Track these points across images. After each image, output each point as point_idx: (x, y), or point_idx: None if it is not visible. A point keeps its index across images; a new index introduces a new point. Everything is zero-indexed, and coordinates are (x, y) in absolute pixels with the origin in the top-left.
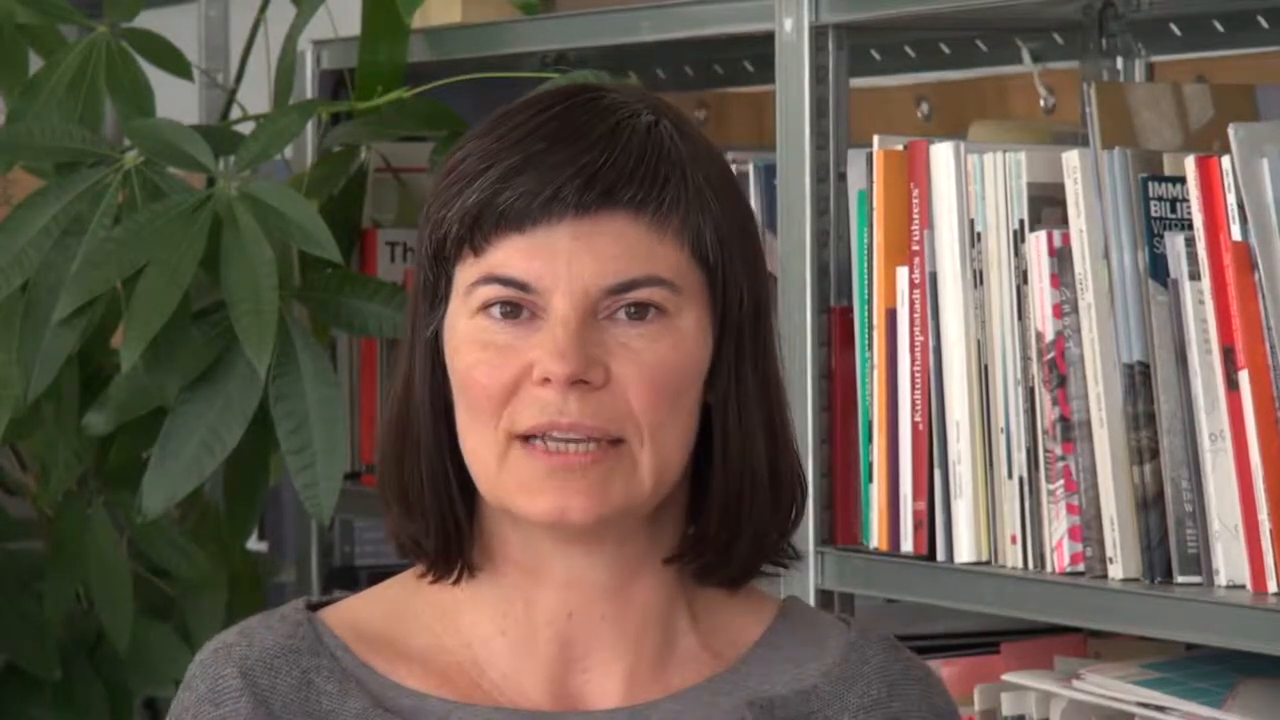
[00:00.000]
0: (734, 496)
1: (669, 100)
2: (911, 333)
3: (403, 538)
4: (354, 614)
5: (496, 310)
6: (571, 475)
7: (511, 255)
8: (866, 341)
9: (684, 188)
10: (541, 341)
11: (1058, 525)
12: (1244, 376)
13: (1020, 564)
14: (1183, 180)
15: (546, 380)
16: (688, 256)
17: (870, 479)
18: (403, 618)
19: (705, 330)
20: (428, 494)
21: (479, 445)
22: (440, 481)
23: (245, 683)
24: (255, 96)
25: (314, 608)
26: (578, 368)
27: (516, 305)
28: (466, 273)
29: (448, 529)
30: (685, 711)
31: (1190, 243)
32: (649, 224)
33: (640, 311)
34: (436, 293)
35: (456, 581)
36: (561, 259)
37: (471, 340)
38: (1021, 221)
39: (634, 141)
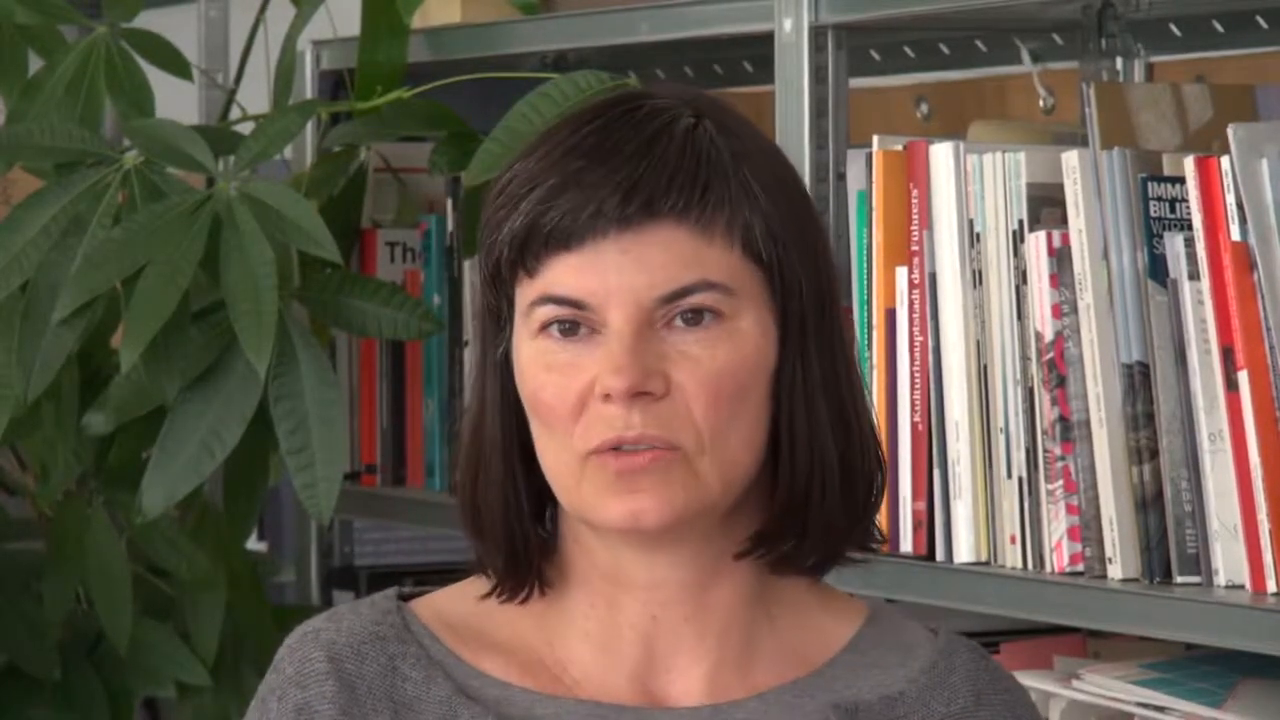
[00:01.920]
0: (800, 492)
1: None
2: (911, 333)
3: (479, 556)
4: (442, 605)
5: (555, 330)
6: (637, 478)
7: (563, 273)
8: (866, 342)
9: (727, 188)
10: (601, 357)
11: (1057, 525)
12: (1243, 377)
13: (1020, 564)
14: (1182, 180)
15: (609, 396)
16: (740, 256)
17: None
18: (490, 612)
19: (767, 327)
20: (497, 515)
21: (556, 463)
22: (510, 502)
23: (331, 666)
24: (255, 97)
25: (405, 598)
26: (636, 381)
27: (574, 323)
28: (524, 294)
29: (515, 550)
30: (769, 712)
31: (1189, 243)
32: (694, 229)
33: (696, 317)
34: (500, 315)
35: (524, 601)
36: (611, 273)
37: (535, 362)
38: (1021, 222)
39: (671, 149)
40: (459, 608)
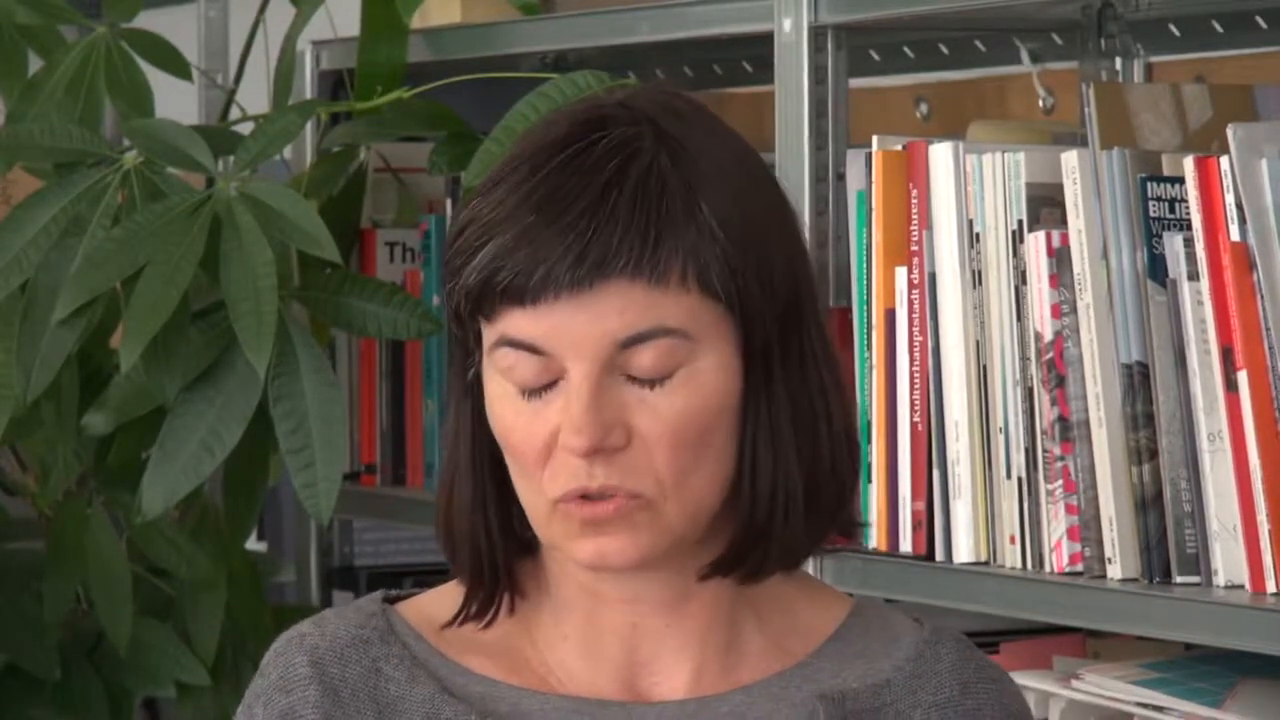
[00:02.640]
0: (762, 519)
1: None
2: (910, 333)
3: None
4: (428, 606)
5: (519, 375)
6: (602, 524)
7: (519, 321)
8: (865, 342)
9: (681, 235)
10: (563, 407)
11: (1056, 525)
12: (1242, 377)
13: (1019, 564)
14: (1181, 181)
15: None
16: (697, 296)
17: (869, 479)
18: None
19: (730, 362)
20: (464, 540)
21: (527, 501)
22: (479, 529)
23: (314, 671)
24: (255, 97)
25: (392, 600)
26: (595, 440)
27: (534, 386)
28: (487, 332)
29: (482, 575)
30: (754, 704)
31: (1189, 243)
32: (648, 281)
33: (653, 373)
34: (467, 344)
35: (486, 626)
36: (564, 327)
37: (503, 401)
38: (1020, 222)
39: (622, 202)
40: (445, 609)
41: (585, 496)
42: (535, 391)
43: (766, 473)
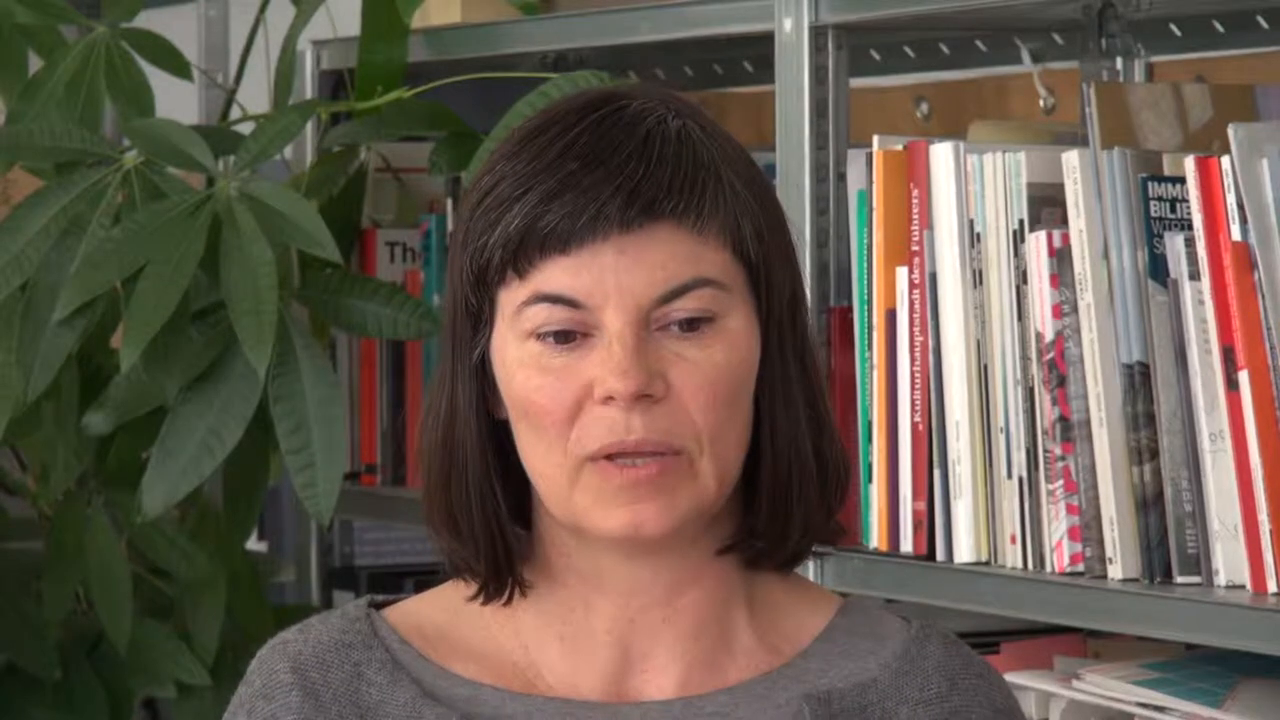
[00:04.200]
0: (783, 487)
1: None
2: (911, 333)
3: (455, 560)
4: (414, 610)
5: (551, 339)
6: (641, 489)
7: (557, 274)
8: (866, 342)
9: (721, 189)
10: (600, 360)
11: (1057, 525)
12: (1244, 376)
13: (1020, 564)
14: (1182, 180)
15: (609, 398)
16: (730, 256)
17: (870, 479)
18: (462, 615)
19: (753, 327)
20: (476, 519)
21: (547, 467)
22: (489, 506)
23: (296, 678)
24: (255, 96)
25: (380, 606)
26: (641, 383)
27: (568, 332)
28: (512, 295)
29: (497, 553)
30: (739, 705)
31: (1190, 243)
32: (691, 230)
33: (691, 325)
34: (480, 317)
35: (507, 603)
36: (609, 274)
37: (526, 365)
38: (1021, 222)
39: (668, 150)
40: (432, 613)
41: (620, 458)
42: (565, 349)
43: (785, 439)
